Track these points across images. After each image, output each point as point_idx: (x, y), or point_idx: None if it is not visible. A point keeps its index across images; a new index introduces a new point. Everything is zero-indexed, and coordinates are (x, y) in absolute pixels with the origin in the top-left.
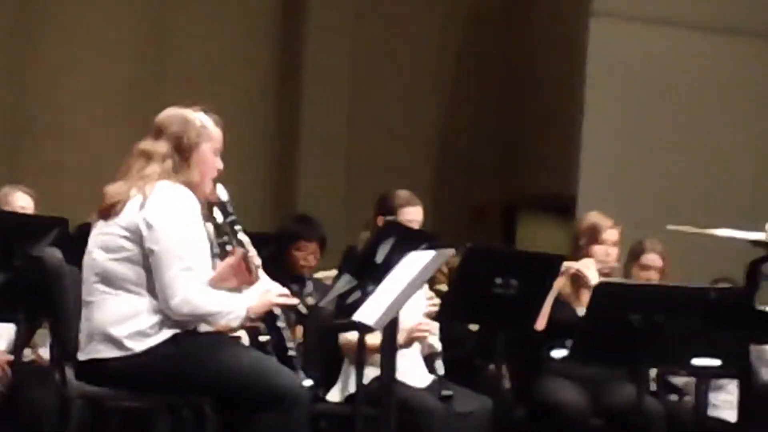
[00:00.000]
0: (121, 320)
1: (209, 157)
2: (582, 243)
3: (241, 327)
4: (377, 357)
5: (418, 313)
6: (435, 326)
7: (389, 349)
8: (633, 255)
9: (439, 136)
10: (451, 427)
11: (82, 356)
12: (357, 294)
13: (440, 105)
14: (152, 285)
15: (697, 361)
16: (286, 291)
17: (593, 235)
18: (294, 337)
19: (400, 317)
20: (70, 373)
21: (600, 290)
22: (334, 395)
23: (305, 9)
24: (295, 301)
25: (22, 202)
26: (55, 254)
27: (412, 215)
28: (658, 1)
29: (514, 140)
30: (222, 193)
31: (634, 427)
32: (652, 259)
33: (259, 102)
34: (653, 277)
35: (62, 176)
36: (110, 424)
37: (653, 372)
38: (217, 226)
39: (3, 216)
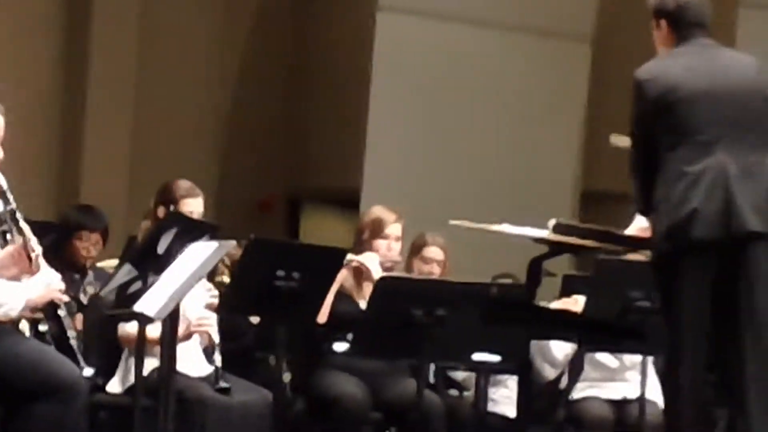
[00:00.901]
0: None
1: None
2: (365, 237)
3: (20, 318)
4: (157, 348)
5: (199, 305)
6: (213, 318)
7: (169, 340)
8: (415, 249)
9: (225, 129)
10: (229, 418)
11: None
12: (138, 284)
13: (226, 97)
14: None
15: (477, 357)
16: (62, 285)
17: (376, 229)
18: (74, 327)
19: (180, 308)
20: None
21: (382, 284)
22: (114, 386)
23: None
24: (65, 298)
25: None
26: None
27: (193, 206)
28: None
29: (299, 134)
30: (1, 181)
31: (413, 422)
32: (434, 252)
33: (44, 90)
34: (435, 271)
35: None
36: None
37: (433, 367)
38: None
39: None
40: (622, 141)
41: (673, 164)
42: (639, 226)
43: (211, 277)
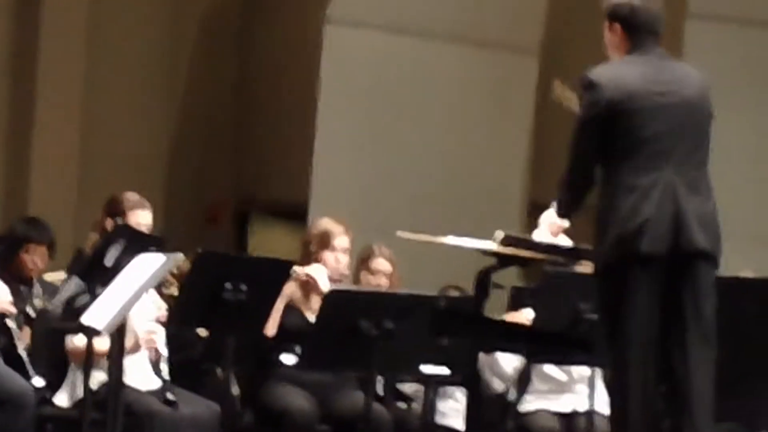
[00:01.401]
0: None
1: None
2: (313, 249)
3: None
4: (105, 361)
5: (147, 317)
6: (161, 331)
7: (117, 353)
8: (362, 260)
9: (172, 140)
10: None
11: None
12: (86, 297)
13: (174, 107)
14: None
15: (425, 369)
16: (10, 297)
17: (324, 241)
18: (22, 339)
19: (128, 321)
20: None
21: (330, 297)
22: (62, 399)
23: (39, 9)
24: (14, 309)
25: None
26: None
27: (141, 218)
28: (393, 10)
29: (247, 145)
30: None
31: None
32: (381, 264)
33: None
34: (382, 282)
35: None
36: None
37: (381, 379)
38: None
39: None
40: (564, 94)
41: (623, 175)
42: (549, 222)
43: (160, 289)
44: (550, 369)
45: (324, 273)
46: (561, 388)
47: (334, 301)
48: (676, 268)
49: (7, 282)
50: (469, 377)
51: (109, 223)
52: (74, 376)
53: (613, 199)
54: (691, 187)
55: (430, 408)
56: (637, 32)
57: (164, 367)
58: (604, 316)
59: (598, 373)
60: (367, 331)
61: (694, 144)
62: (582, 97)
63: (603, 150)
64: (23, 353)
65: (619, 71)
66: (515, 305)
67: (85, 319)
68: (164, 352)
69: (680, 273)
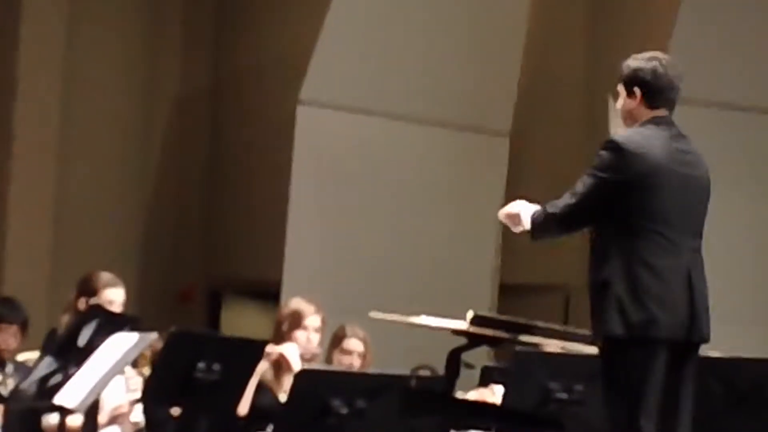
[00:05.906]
0: None
1: None
2: (285, 328)
3: None
4: None
5: (121, 395)
6: (138, 408)
7: (90, 431)
8: (335, 340)
9: (145, 219)
10: None
11: None
12: (59, 376)
13: (147, 187)
14: None
15: None
16: None
17: (296, 320)
18: None
19: (101, 399)
20: None
21: (301, 376)
22: None
23: (14, 94)
24: None
25: None
26: None
27: (113, 296)
28: (365, 92)
29: (220, 225)
30: None
31: None
32: (354, 344)
33: None
34: (355, 363)
35: None
36: None
37: None
38: None
39: None
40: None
41: (640, 253)
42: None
43: (134, 367)
44: None
45: (296, 352)
46: None
47: (305, 380)
48: (681, 354)
49: None
50: None
51: (81, 302)
52: None
53: (630, 277)
54: (699, 272)
55: None
56: (661, 99)
57: None
58: (618, 395)
59: None
60: (338, 411)
61: (698, 230)
62: (603, 156)
63: (616, 218)
64: None
65: (647, 142)
66: (486, 384)
67: (58, 398)
68: (141, 421)
69: (683, 358)
